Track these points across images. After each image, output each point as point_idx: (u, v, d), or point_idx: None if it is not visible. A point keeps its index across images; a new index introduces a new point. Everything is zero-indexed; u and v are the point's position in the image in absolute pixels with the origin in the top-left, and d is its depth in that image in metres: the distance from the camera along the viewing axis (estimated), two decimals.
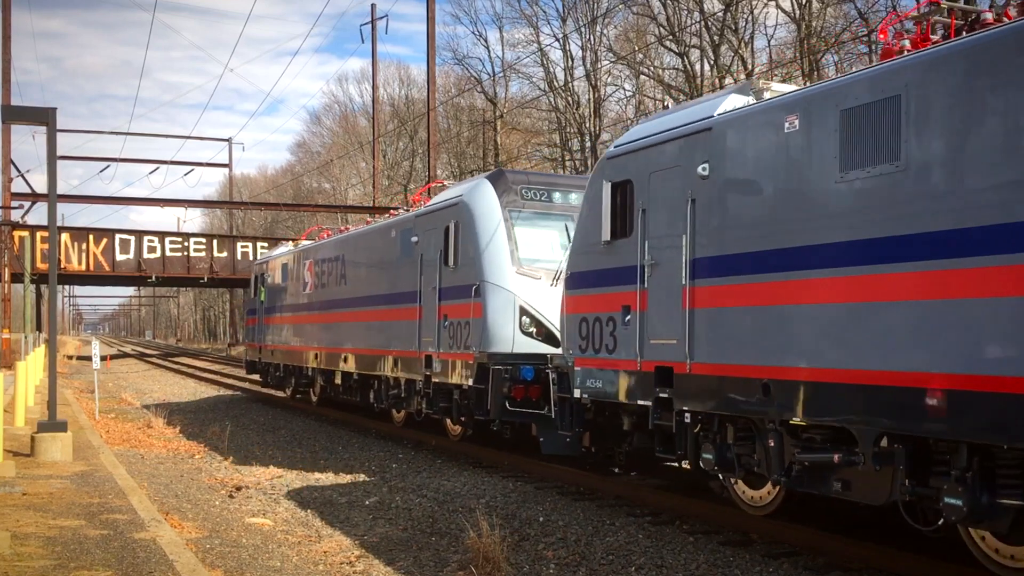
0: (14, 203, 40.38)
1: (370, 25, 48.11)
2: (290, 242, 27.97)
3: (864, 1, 32.33)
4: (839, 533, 9.16)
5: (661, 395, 9.69)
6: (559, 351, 12.59)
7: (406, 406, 17.27)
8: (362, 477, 14.26)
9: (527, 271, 14.04)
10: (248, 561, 8.81)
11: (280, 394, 27.66)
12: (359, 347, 19.14)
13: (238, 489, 13.02)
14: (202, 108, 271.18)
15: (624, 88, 50.02)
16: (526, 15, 51.49)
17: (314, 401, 24.29)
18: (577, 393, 11.16)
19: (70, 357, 62.26)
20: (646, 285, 9.98)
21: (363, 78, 77.28)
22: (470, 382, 14.20)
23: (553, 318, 13.11)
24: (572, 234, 13.68)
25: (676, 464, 12.39)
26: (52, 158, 13.97)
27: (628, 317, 10.20)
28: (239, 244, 49.25)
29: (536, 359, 13.49)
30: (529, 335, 13.74)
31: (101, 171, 67.26)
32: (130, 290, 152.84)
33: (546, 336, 13.63)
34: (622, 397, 10.41)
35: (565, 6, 48.98)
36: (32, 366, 24.97)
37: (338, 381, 20.71)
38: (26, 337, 34.00)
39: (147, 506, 10.23)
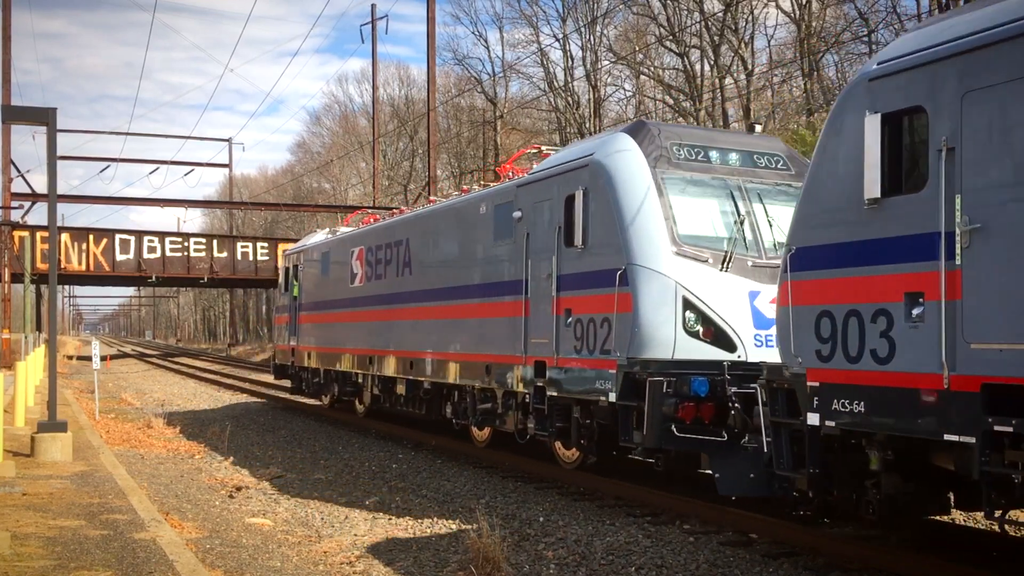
0: (14, 203, 40.40)
1: (370, 25, 48.16)
2: (325, 229, 24.04)
3: (864, 1, 32.36)
4: (840, 534, 9.16)
5: (998, 428, 6.50)
6: (735, 356, 10.28)
7: (500, 424, 13.94)
8: (362, 477, 14.27)
9: (690, 252, 10.79)
10: (248, 561, 8.81)
11: (312, 402, 24.56)
12: (432, 351, 15.69)
13: (238, 489, 13.02)
14: (202, 108, 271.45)
15: (624, 88, 50.08)
16: (526, 15, 51.56)
17: (360, 412, 21.06)
18: (814, 419, 7.89)
19: (70, 357, 62.29)
20: (959, 261, 6.74)
21: (363, 78, 77.36)
22: (610, 397, 10.92)
23: (725, 312, 10.58)
24: (740, 205, 11.26)
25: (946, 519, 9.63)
26: (52, 158, 13.97)
27: (919, 310, 7.03)
28: (239, 244, 49.25)
29: (707, 367, 10.32)
30: (694, 335, 10.55)
31: (101, 171, 67.31)
32: (130, 290, 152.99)
33: (715, 336, 10.56)
34: (919, 428, 7.03)
35: (565, 6, 49.03)
36: (32, 366, 24.98)
37: (400, 390, 17.22)
38: (26, 337, 34.02)
39: (147, 506, 10.23)
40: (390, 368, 17.54)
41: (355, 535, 10.35)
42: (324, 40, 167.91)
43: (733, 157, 11.83)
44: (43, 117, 13.70)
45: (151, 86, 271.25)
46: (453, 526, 10.53)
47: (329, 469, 15.05)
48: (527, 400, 12.77)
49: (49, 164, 14.04)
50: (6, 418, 15.63)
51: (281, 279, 25.37)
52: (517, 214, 13.16)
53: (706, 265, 10.78)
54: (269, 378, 39.68)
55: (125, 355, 75.16)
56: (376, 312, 18.28)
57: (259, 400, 28.67)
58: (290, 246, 25.64)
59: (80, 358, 60.09)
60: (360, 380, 19.64)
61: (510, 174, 14.60)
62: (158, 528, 9.04)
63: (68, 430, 13.87)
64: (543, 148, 15.42)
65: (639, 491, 11.67)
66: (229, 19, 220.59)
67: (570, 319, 11.82)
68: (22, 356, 26.95)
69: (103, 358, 32.98)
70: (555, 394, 12.06)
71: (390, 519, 11.19)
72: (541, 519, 10.83)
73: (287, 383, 25.83)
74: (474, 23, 77.44)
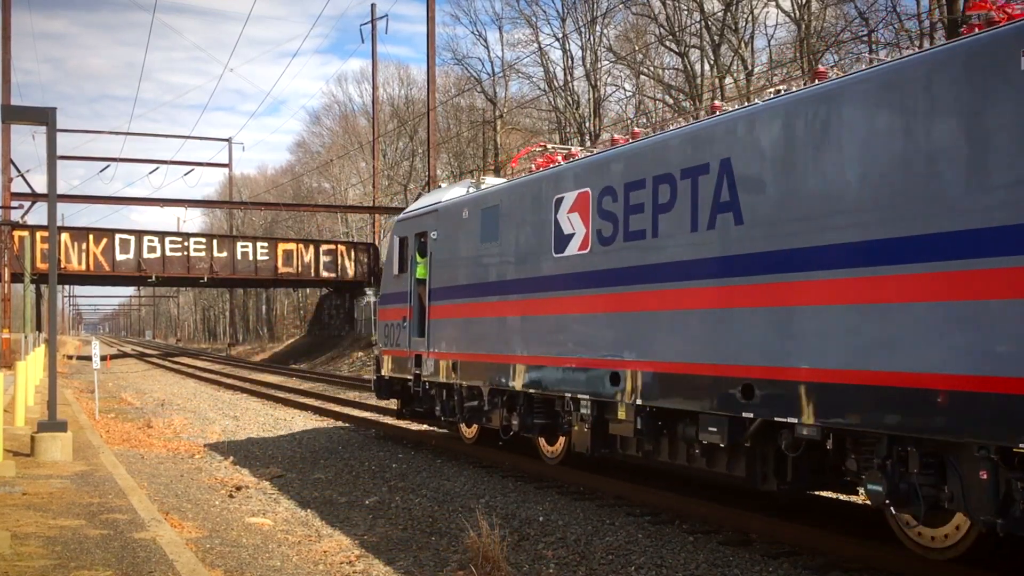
0: (14, 203, 40.43)
1: (370, 25, 48.18)
2: (464, 181, 15.99)
3: (864, 1, 32.34)
4: (839, 533, 9.16)
5: None
6: None
7: None
8: (362, 477, 14.27)
9: None
10: (248, 561, 8.82)
11: (426, 428, 18.07)
12: (871, 367, 7.67)
13: (238, 489, 13.03)
14: (202, 108, 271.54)
15: (624, 88, 50.07)
16: (526, 15, 51.66)
17: (552, 457, 13.59)
18: None
19: (70, 357, 62.34)
20: None
21: (363, 78, 77.52)
22: None
23: None
24: None
25: None
26: (52, 158, 13.97)
27: None
28: (239, 244, 49.33)
29: None
30: None
31: (101, 171, 67.48)
32: (130, 290, 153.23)
33: None
34: None
35: (565, 6, 49.05)
36: (32, 366, 24.99)
37: (709, 436, 9.36)
38: (26, 337, 34.04)
39: (147, 506, 10.24)
40: (671, 393, 9.93)
41: (355, 535, 10.35)
42: (324, 40, 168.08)
43: None
44: (43, 117, 13.71)
45: (152, 86, 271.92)
46: (453, 526, 10.53)
47: (329, 469, 15.05)
48: None
49: (49, 164, 14.05)
50: (6, 418, 15.65)
51: (391, 257, 17.22)
52: None
53: None
54: (270, 378, 39.79)
55: (125, 355, 75.17)
56: (627, 297, 10.59)
57: (258, 399, 28.65)
58: (411, 206, 17.16)
59: (80, 358, 60.11)
60: (583, 410, 11.46)
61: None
62: (158, 528, 9.04)
63: (68, 430, 13.88)
64: None
65: (639, 491, 11.66)
66: (230, 19, 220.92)
67: None
68: (22, 356, 26.96)
69: (103, 358, 32.99)
70: None
71: (390, 519, 11.19)
72: (541, 519, 10.83)
73: (391, 403, 18.57)
74: (474, 23, 77.75)
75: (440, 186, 17.42)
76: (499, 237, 13.46)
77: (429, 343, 15.34)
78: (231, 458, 15.88)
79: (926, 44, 29.01)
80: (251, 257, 48.60)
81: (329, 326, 58.11)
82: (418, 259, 15.98)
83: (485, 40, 65.88)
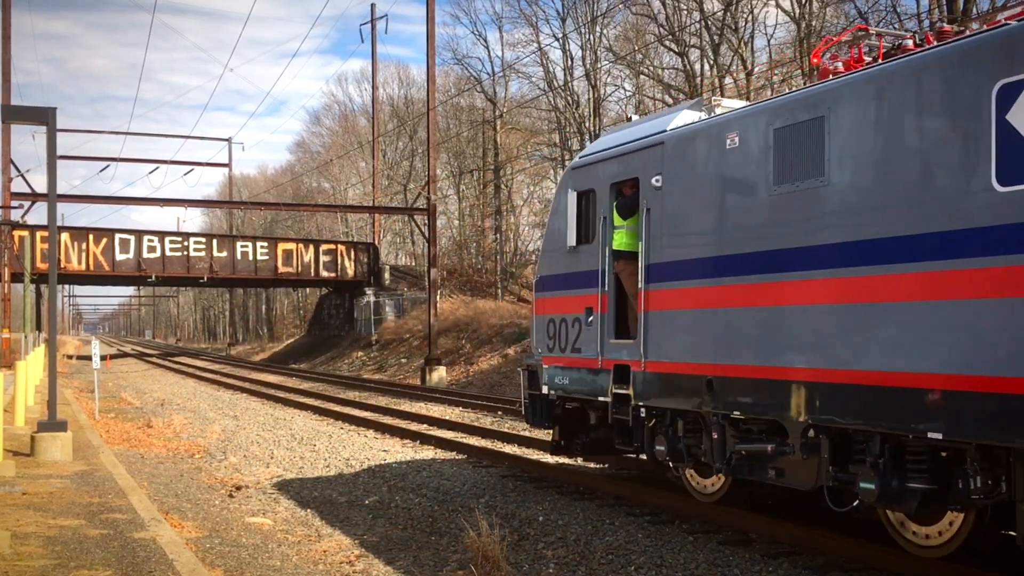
0: (14, 203, 40.40)
1: (370, 25, 48.18)
2: (685, 104, 10.77)
3: (864, 1, 32.37)
4: (839, 533, 9.16)
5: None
6: None
7: None
8: (362, 477, 14.27)
9: None
10: (248, 560, 8.82)
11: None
12: None
13: (238, 489, 13.04)
14: (203, 109, 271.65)
15: (624, 88, 50.04)
16: (526, 15, 51.67)
17: (930, 547, 8.03)
18: None
19: (70, 357, 62.35)
20: None
21: (363, 78, 77.61)
22: None
23: None
24: None
25: None
26: (52, 158, 13.97)
27: None
28: (239, 244, 49.34)
29: None
30: None
31: (101, 171, 67.61)
32: (130, 290, 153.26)
33: None
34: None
35: (565, 6, 49.05)
36: (32, 366, 24.99)
37: None
38: (26, 337, 34.06)
39: (147, 506, 10.24)
40: None
41: (355, 535, 10.35)
42: (325, 41, 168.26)
43: None
44: (42, 117, 13.71)
45: (152, 86, 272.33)
46: (453, 526, 10.53)
47: (329, 468, 15.05)
48: None
49: (49, 164, 14.05)
50: (6, 418, 15.66)
51: (559, 222, 12.05)
52: None
53: None
54: (270, 378, 39.77)
55: (125, 355, 75.18)
56: None
57: (256, 397, 28.64)
58: (595, 145, 12.09)
59: (80, 358, 60.13)
60: None
61: None
62: (158, 527, 9.05)
63: (68, 430, 13.88)
64: None
65: (639, 491, 11.66)
66: (230, 20, 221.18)
67: None
68: (22, 356, 26.96)
69: (103, 358, 33.00)
70: None
71: (390, 519, 11.19)
72: (540, 518, 10.83)
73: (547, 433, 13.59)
74: (474, 23, 77.82)
75: (631, 118, 12.04)
76: (826, 171, 8.17)
77: (645, 348, 10.26)
78: (231, 458, 15.88)
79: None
80: (251, 257, 48.63)
81: (329, 326, 58.14)
82: (618, 221, 11.01)
83: (485, 40, 66.14)
